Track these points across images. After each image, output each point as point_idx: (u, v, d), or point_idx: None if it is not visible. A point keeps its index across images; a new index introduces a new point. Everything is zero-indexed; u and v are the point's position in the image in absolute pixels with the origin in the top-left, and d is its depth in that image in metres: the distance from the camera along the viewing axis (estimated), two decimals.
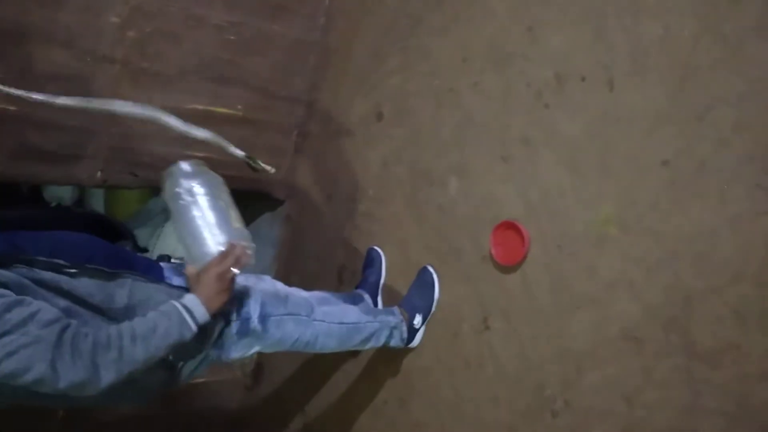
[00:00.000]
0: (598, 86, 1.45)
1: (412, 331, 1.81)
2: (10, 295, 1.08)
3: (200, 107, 2.12)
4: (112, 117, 1.85)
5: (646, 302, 1.33)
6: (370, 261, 1.98)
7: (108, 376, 1.14)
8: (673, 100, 1.31)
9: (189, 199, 1.36)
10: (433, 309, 1.81)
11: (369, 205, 2.09)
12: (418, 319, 1.80)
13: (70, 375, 1.10)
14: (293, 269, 2.43)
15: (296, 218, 2.45)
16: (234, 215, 1.40)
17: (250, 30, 2.11)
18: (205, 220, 1.36)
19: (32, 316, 1.08)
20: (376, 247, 2.00)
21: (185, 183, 1.37)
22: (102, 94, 1.98)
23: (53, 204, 2.86)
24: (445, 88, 1.85)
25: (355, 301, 1.94)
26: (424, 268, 1.84)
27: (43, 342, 1.07)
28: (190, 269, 1.34)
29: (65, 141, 1.98)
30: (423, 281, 1.83)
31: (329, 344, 1.67)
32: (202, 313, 1.28)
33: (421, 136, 1.92)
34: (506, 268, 1.62)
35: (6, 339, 1.04)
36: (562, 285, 1.50)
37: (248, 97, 2.20)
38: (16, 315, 1.06)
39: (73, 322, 1.14)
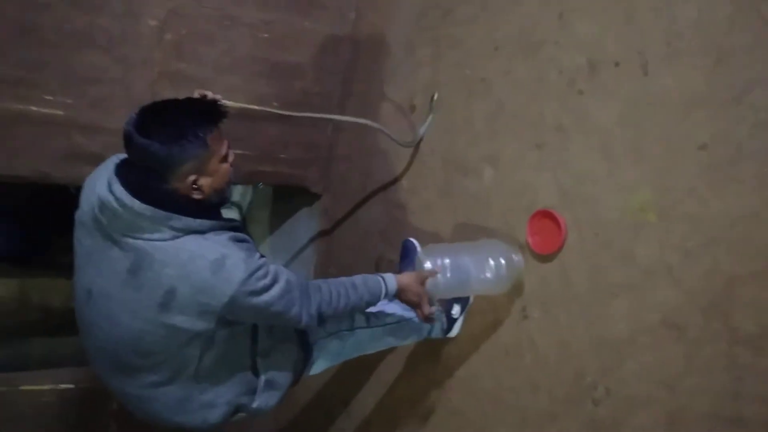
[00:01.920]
0: (631, 71, 1.44)
1: (451, 321, 1.83)
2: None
3: (237, 105, 2.16)
4: None
5: (686, 288, 1.32)
6: (406, 252, 2.00)
7: (328, 313, 1.41)
8: (708, 83, 1.29)
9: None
10: (472, 299, 1.82)
11: (403, 197, 2.11)
12: (456, 309, 1.82)
13: (306, 319, 1.36)
14: (331, 261, 2.47)
15: (333, 211, 2.48)
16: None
17: (282, 27, 2.14)
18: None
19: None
20: (411, 239, 2.01)
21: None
22: (141, 95, 2.04)
23: None
24: (476, 77, 1.85)
25: None
26: None
27: (296, 287, 1.34)
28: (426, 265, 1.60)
29: (109, 142, 2.05)
30: None
31: (375, 345, 1.74)
32: (393, 290, 1.52)
33: (453, 127, 1.92)
34: (543, 257, 1.62)
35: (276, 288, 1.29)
36: (600, 272, 1.49)
37: (283, 94, 2.23)
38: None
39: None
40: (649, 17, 1.40)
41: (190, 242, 1.23)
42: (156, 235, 1.22)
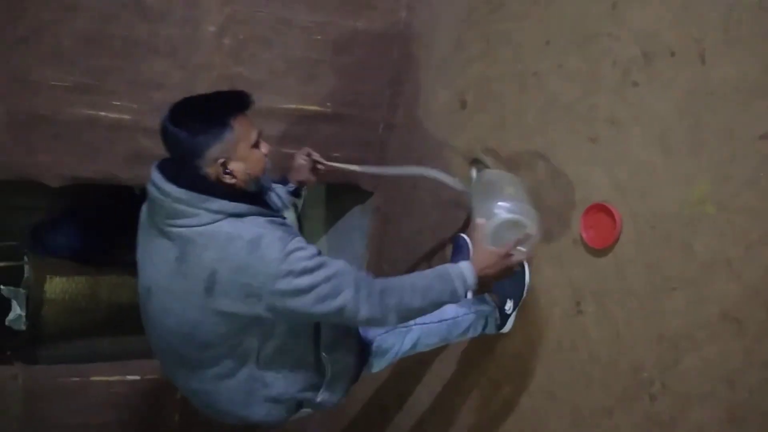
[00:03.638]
0: (688, 60, 1.40)
1: (504, 317, 1.83)
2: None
3: (292, 106, 2.22)
4: None
5: (746, 282, 1.28)
6: (458, 248, 2.01)
7: (391, 318, 1.35)
8: None
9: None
10: (525, 294, 1.81)
11: (455, 192, 2.12)
12: (509, 305, 1.82)
13: (365, 309, 1.29)
14: (384, 258, 2.50)
15: (385, 209, 2.51)
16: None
17: (334, 29, 2.19)
18: (509, 190, 1.56)
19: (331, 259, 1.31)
20: (463, 235, 2.02)
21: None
22: None
23: None
24: (528, 71, 1.84)
25: None
26: None
27: (349, 273, 1.30)
28: (480, 221, 1.48)
29: None
30: None
31: (431, 342, 1.75)
32: (472, 284, 1.42)
33: (505, 122, 1.92)
34: (598, 251, 1.60)
35: (321, 271, 1.27)
36: (657, 266, 1.47)
37: (336, 94, 2.28)
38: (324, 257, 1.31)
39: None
40: (705, 4, 1.37)
41: (228, 225, 1.27)
42: (195, 220, 1.27)
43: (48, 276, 2.64)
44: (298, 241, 1.29)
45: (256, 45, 2.12)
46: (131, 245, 3.09)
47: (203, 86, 2.10)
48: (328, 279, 1.27)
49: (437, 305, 1.42)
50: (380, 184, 2.51)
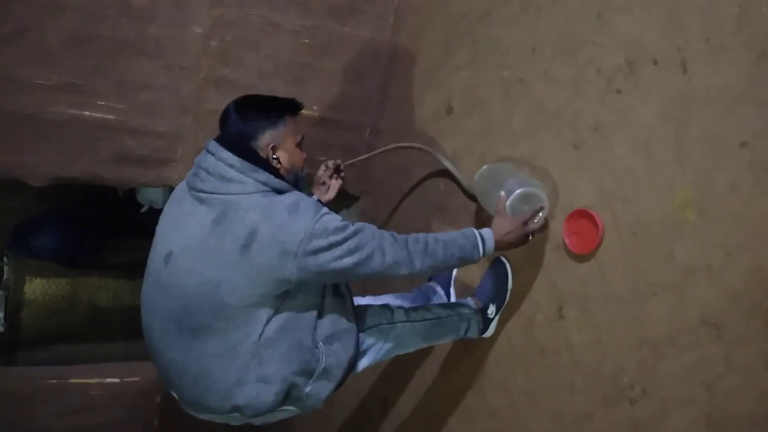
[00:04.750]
0: (671, 69, 1.43)
1: (487, 321, 1.84)
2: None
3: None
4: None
5: (726, 287, 1.30)
6: None
7: (417, 263, 1.47)
8: (750, 79, 1.27)
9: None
10: (507, 299, 1.82)
11: (440, 198, 2.13)
12: (491, 309, 1.83)
13: (391, 253, 1.43)
14: None
15: (370, 213, 2.52)
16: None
17: (323, 33, 2.19)
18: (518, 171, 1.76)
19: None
20: None
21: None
22: (188, 100, 2.12)
23: (146, 207, 3.07)
24: (514, 78, 1.86)
25: (429, 296, 1.99)
26: (498, 258, 1.85)
27: (373, 227, 1.46)
28: (502, 194, 1.63)
29: (157, 145, 2.14)
30: (496, 271, 1.85)
31: (413, 341, 1.75)
32: (491, 246, 1.58)
33: (491, 127, 1.94)
34: (580, 257, 1.62)
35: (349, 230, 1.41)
36: (638, 272, 1.48)
37: (323, 98, 2.29)
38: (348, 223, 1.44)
39: None
40: (687, 13, 1.39)
41: (270, 195, 1.43)
42: (241, 187, 1.40)
43: (28, 277, 2.61)
44: (327, 209, 1.45)
45: (243, 47, 2.12)
46: (113, 248, 3.05)
47: (189, 87, 2.10)
48: (355, 233, 1.41)
49: (458, 260, 1.54)
50: (367, 189, 2.52)
